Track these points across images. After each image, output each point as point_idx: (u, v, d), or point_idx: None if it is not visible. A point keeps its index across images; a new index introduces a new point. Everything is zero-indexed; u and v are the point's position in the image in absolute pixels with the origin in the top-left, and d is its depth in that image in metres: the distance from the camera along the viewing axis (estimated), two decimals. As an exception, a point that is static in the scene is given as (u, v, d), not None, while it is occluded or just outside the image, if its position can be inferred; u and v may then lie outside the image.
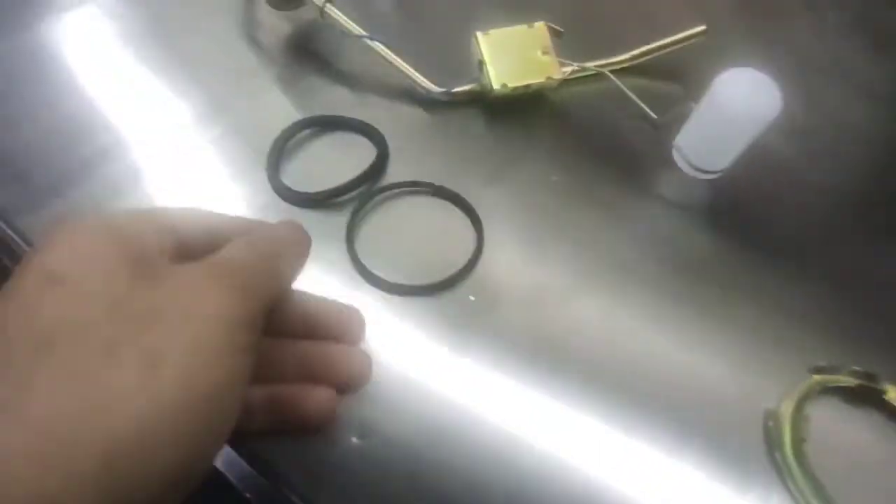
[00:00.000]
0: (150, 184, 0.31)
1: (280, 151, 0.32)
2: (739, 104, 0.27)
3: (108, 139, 0.32)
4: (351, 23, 0.34)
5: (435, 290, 0.28)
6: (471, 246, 0.30)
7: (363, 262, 0.29)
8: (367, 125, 0.33)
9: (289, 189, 0.31)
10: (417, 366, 0.27)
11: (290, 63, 0.37)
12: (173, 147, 0.32)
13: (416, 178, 0.32)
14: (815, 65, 0.41)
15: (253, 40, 0.37)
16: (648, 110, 0.35)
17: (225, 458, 0.26)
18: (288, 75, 0.36)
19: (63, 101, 0.33)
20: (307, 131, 0.33)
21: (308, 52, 0.37)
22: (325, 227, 0.29)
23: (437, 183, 0.32)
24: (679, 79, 0.38)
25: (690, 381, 0.28)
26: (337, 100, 0.35)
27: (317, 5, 0.34)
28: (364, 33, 0.34)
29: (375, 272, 0.28)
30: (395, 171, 0.32)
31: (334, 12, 0.34)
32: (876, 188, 0.36)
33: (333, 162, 0.33)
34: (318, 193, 0.31)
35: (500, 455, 0.25)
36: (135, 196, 0.30)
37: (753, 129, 0.28)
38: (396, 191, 0.31)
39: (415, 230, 0.31)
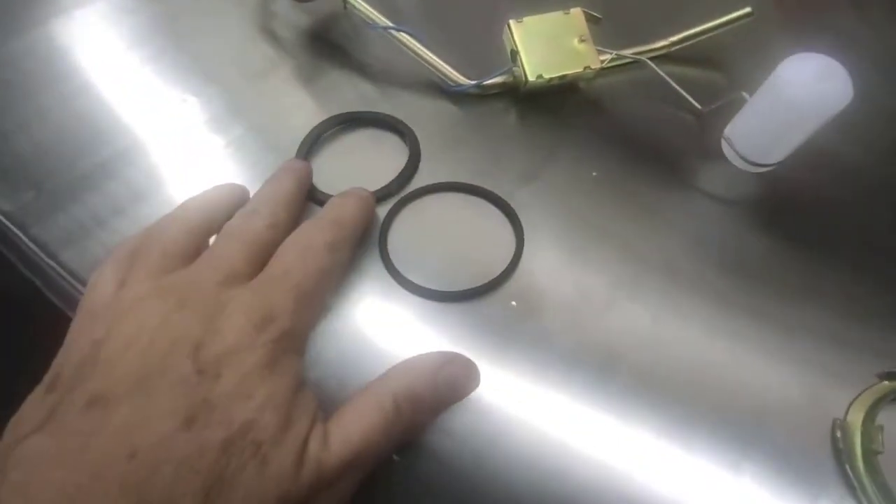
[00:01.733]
0: (171, 187, 0.29)
1: (308, 152, 0.30)
2: (807, 91, 0.25)
3: (125, 141, 0.30)
4: (376, 13, 0.32)
5: (474, 295, 0.27)
6: (510, 249, 0.28)
7: (397, 267, 0.27)
8: (399, 122, 0.32)
9: (318, 191, 0.29)
10: (457, 377, 0.25)
11: (311, 58, 0.35)
12: (193, 149, 0.31)
13: (447, 177, 0.30)
14: (869, 53, 0.38)
15: (271, 35, 0.36)
16: (692, 100, 0.33)
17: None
18: (308, 71, 0.34)
19: (76, 101, 0.32)
20: (335, 129, 0.32)
21: (329, 46, 0.35)
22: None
23: (470, 182, 0.30)
24: (723, 66, 0.36)
25: (748, 389, 0.26)
26: (361, 95, 0.33)
27: (340, -4, 0.32)
28: (390, 24, 0.32)
29: (410, 277, 0.27)
30: (426, 169, 0.31)
31: (359, 3, 0.32)
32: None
33: (364, 161, 0.31)
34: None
35: (547, 467, 0.23)
36: (156, 200, 0.29)
37: (819, 118, 0.26)
38: (431, 195, 0.30)
39: (450, 233, 0.29)
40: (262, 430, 0.18)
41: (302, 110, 0.32)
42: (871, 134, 0.34)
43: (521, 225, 0.29)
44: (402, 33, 0.32)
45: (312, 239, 0.24)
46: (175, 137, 0.31)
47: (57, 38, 0.34)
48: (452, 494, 0.23)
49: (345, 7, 0.32)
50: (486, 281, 0.27)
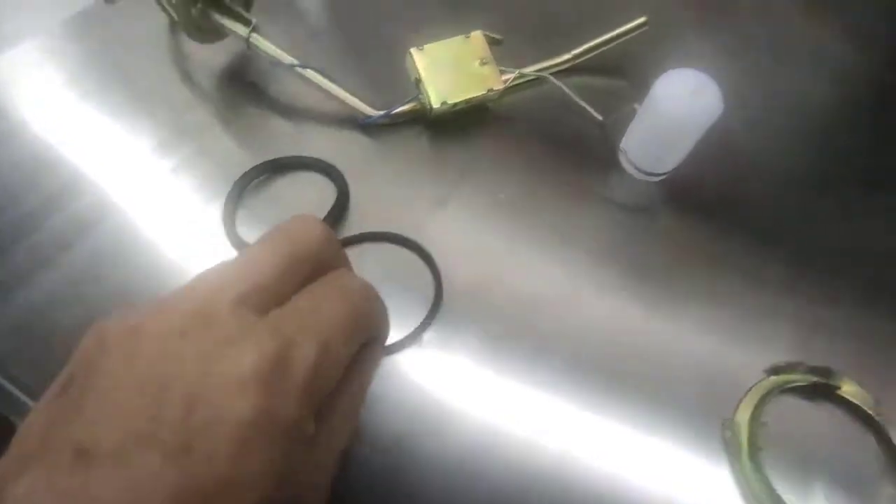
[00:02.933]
0: (116, 219, 0.30)
1: (235, 205, 0.31)
2: (680, 107, 0.26)
3: (58, 181, 0.31)
4: (279, 51, 0.33)
5: (399, 348, 0.27)
6: (430, 291, 0.29)
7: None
8: (323, 162, 0.32)
9: (244, 242, 0.30)
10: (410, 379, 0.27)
11: (226, 97, 0.35)
12: (130, 182, 0.32)
13: (367, 211, 0.31)
14: (765, 49, 0.40)
15: (186, 75, 0.36)
16: (594, 112, 0.34)
17: None
18: (225, 110, 0.35)
19: (12, 142, 0.32)
20: (261, 178, 0.32)
21: (243, 84, 0.36)
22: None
23: (386, 220, 0.30)
24: (625, 76, 0.37)
25: (645, 393, 0.27)
26: (278, 133, 0.34)
27: (241, 36, 0.32)
28: (295, 61, 0.33)
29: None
30: (351, 206, 0.32)
31: (260, 42, 0.33)
32: (832, 169, 0.35)
33: (292, 205, 0.31)
34: None
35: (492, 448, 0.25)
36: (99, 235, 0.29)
37: (696, 131, 0.27)
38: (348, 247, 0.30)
39: (375, 279, 0.30)
40: None
41: (223, 154, 0.33)
42: (769, 128, 0.36)
43: (439, 272, 0.29)
44: (308, 70, 0.33)
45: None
46: (111, 172, 0.32)
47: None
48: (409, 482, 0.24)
49: (248, 47, 0.33)
50: (409, 332, 0.27)
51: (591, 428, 0.26)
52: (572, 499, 0.25)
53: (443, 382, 0.27)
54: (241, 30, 0.32)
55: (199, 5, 0.32)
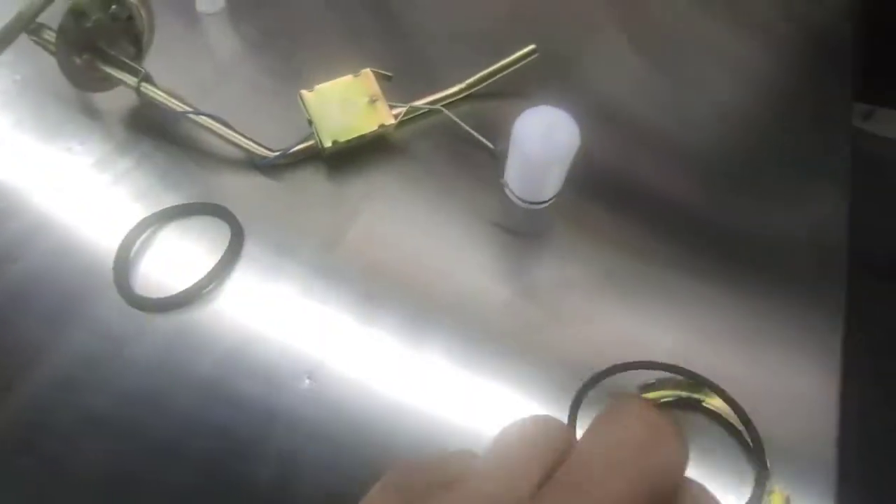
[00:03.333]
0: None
1: (126, 260, 0.32)
2: (537, 146, 0.28)
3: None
4: (171, 99, 0.33)
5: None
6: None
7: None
8: (215, 206, 0.33)
9: (137, 295, 0.31)
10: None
11: (127, 145, 0.36)
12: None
13: (266, 246, 0.32)
14: (666, 47, 0.41)
15: (87, 125, 0.37)
16: (485, 140, 0.35)
17: None
18: (128, 155, 0.35)
19: None
20: (153, 227, 0.33)
21: (144, 131, 0.36)
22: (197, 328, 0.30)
23: (275, 258, 0.32)
24: (517, 103, 0.38)
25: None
26: (182, 176, 0.35)
27: (131, 86, 0.33)
28: (188, 108, 0.33)
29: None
30: (249, 248, 0.33)
31: (151, 90, 0.33)
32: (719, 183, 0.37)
33: (188, 252, 0.32)
34: (174, 297, 0.30)
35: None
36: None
37: (559, 165, 0.29)
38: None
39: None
40: None
41: (123, 204, 0.34)
42: (669, 155, 0.38)
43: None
44: (201, 116, 0.34)
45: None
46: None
47: None
48: None
49: (139, 96, 0.33)
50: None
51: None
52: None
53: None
54: (129, 80, 0.33)
55: (84, 56, 0.32)
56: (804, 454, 0.28)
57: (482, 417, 0.29)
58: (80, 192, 0.34)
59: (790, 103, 0.41)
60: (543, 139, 0.27)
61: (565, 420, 0.28)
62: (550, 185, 0.31)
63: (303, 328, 0.31)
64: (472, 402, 0.29)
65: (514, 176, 0.31)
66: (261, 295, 0.31)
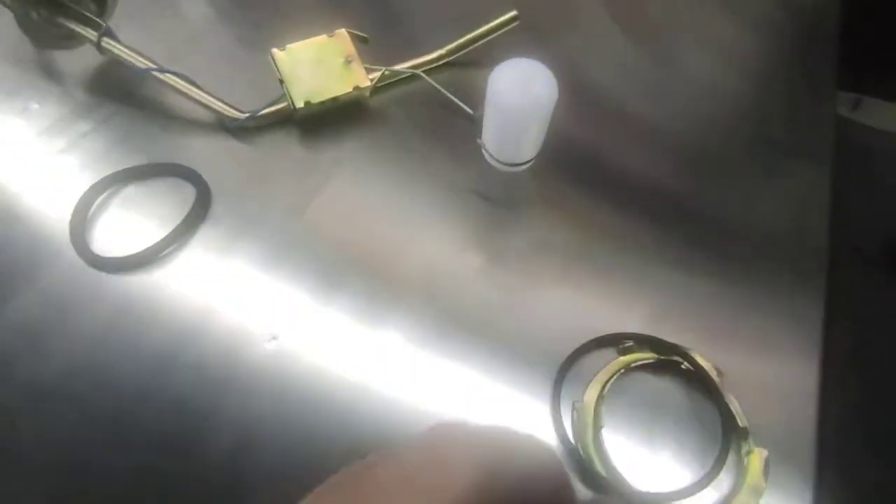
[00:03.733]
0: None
1: (84, 218, 0.30)
2: (514, 99, 0.26)
3: None
4: (135, 55, 0.32)
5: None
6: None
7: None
8: (181, 167, 0.32)
9: (98, 256, 0.29)
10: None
11: (88, 107, 0.34)
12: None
13: (233, 210, 0.31)
14: (657, 21, 0.41)
15: (46, 85, 0.35)
16: (465, 106, 0.34)
17: None
18: (88, 117, 0.34)
19: None
20: (115, 186, 0.31)
21: (107, 92, 0.35)
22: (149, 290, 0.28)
23: (249, 224, 0.30)
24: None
25: (494, 384, 0.27)
26: (145, 140, 0.33)
27: (91, 40, 0.31)
28: (153, 66, 0.32)
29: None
30: (215, 210, 0.31)
31: (113, 45, 0.32)
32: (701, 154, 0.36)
33: (153, 212, 0.31)
34: (132, 256, 0.29)
35: None
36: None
37: (537, 119, 0.27)
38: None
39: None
40: None
41: (85, 164, 0.32)
42: (642, 113, 0.37)
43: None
44: (167, 74, 0.32)
45: None
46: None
47: None
48: None
49: (101, 51, 0.32)
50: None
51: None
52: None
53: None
54: (90, 34, 0.31)
55: (42, 10, 0.31)
56: (784, 436, 0.27)
57: (452, 386, 0.27)
58: (33, 155, 0.32)
59: (774, 86, 0.40)
60: (521, 91, 0.26)
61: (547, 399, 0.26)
62: (528, 143, 0.29)
63: (265, 294, 0.29)
64: (443, 373, 0.28)
65: (492, 135, 0.30)
66: (225, 259, 0.30)
